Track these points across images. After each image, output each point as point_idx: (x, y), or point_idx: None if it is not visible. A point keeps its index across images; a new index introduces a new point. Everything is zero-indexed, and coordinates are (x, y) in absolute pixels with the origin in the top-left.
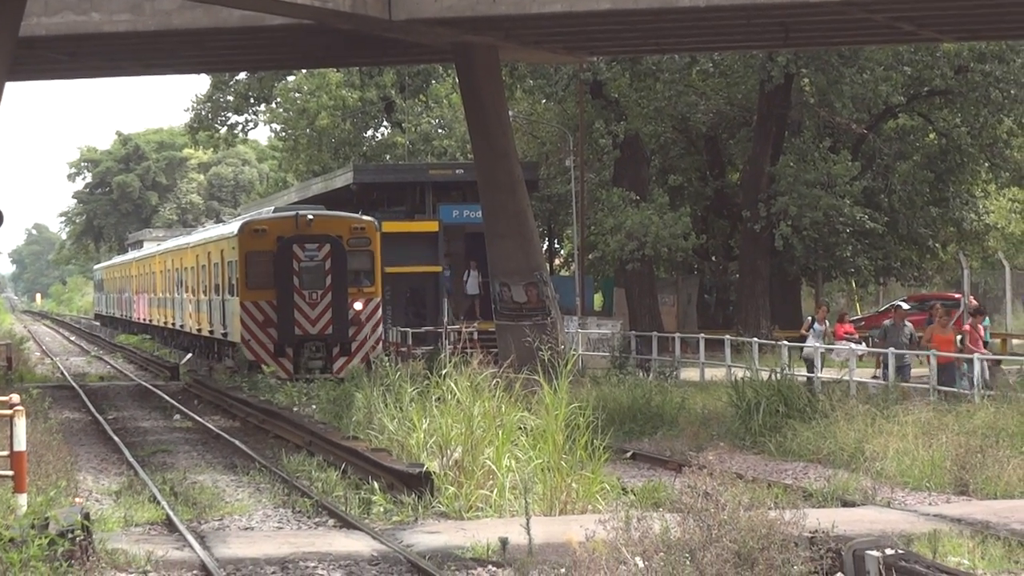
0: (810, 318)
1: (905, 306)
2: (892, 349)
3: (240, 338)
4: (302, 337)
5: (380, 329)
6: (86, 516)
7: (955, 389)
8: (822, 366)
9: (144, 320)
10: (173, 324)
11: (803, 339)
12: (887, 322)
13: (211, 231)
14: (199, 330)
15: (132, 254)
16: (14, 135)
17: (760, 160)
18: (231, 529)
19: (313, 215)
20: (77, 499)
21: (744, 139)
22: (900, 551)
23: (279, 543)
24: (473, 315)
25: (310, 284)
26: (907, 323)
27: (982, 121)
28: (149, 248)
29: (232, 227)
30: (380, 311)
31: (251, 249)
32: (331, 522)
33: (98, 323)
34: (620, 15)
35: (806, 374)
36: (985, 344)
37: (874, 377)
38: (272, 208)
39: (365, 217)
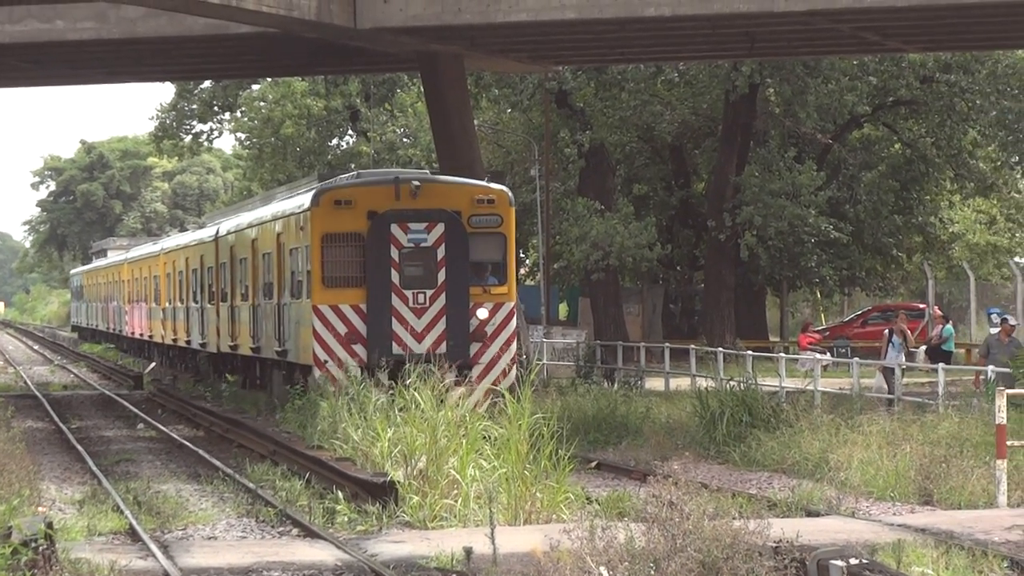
0: (887, 331)
1: (1012, 320)
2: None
3: (312, 358)
4: (403, 357)
5: (514, 347)
6: (49, 525)
7: (921, 399)
8: (902, 378)
9: (142, 335)
10: (187, 342)
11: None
12: (993, 331)
13: (257, 211)
14: (233, 347)
15: (123, 255)
16: None
17: (725, 170)
18: (195, 539)
19: (420, 180)
20: (40, 508)
21: (709, 149)
22: (864, 561)
23: (243, 553)
24: None
25: (415, 281)
26: (1014, 337)
27: (947, 131)
28: (144, 248)
29: (300, 200)
30: (515, 321)
31: (330, 230)
32: (295, 531)
33: (76, 336)
34: (585, 24)
35: (885, 393)
36: (949, 353)
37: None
38: (314, 186)
39: (494, 185)
